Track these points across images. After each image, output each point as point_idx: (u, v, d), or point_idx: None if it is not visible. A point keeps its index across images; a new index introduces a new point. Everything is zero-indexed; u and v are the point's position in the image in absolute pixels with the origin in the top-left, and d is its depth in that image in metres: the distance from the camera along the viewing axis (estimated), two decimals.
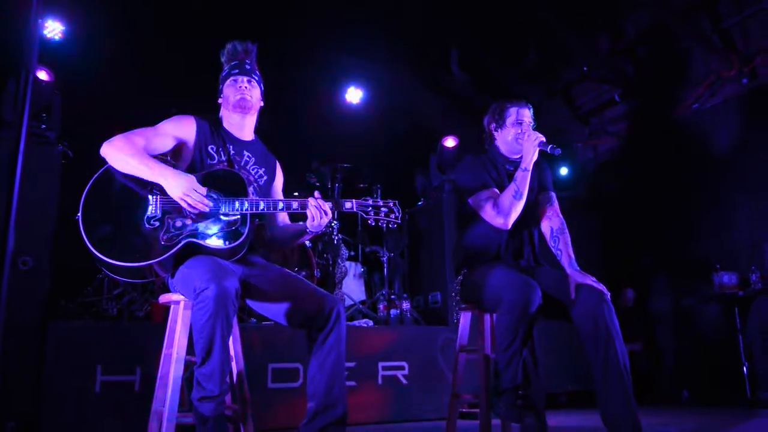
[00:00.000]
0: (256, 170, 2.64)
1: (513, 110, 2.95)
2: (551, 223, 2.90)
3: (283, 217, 2.74)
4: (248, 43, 2.66)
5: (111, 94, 5.31)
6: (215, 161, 2.52)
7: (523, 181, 2.74)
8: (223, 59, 2.68)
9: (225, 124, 2.64)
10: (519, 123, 2.92)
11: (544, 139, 2.77)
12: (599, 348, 2.48)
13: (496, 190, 2.84)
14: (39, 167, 3.59)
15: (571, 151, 6.79)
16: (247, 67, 2.62)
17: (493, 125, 3.01)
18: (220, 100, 2.66)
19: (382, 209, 2.47)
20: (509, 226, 2.77)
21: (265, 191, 2.66)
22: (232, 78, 2.60)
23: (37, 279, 3.51)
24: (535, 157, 2.77)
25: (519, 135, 2.88)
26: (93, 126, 3.48)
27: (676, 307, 6.03)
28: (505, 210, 2.74)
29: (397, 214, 2.48)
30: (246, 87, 2.58)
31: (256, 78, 2.63)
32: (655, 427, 3.57)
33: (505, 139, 2.95)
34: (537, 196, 2.97)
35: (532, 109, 2.99)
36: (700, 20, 5.84)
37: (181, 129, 2.52)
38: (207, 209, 2.30)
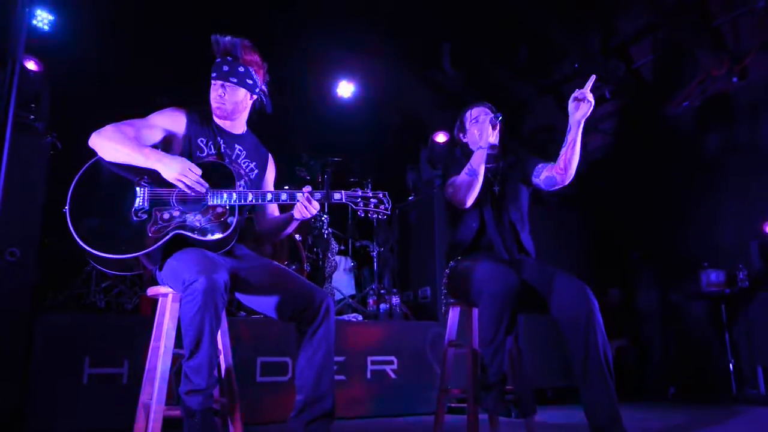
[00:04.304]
0: (247, 164, 2.63)
1: (468, 112, 3.14)
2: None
3: (273, 210, 2.74)
4: (229, 38, 2.52)
5: (100, 84, 5.28)
6: (204, 154, 2.51)
7: (477, 159, 2.84)
8: None
9: (216, 119, 2.63)
10: (476, 120, 3.07)
11: (492, 116, 2.91)
12: (579, 341, 2.50)
13: None
14: (27, 158, 3.56)
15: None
16: (225, 68, 2.50)
17: (460, 135, 3.18)
18: None
19: (372, 200, 2.46)
20: (467, 204, 2.85)
21: (257, 185, 2.65)
22: (212, 82, 2.54)
23: (24, 270, 3.48)
24: (490, 136, 2.86)
25: (479, 128, 3.01)
26: (82, 117, 3.45)
27: (663, 303, 6.07)
28: (459, 187, 2.85)
29: (386, 205, 2.47)
30: (220, 94, 2.52)
31: (234, 80, 2.51)
32: (640, 423, 3.60)
33: (472, 140, 3.07)
34: (520, 185, 3.03)
35: (488, 107, 3.10)
36: (691, 19, 5.87)
37: (171, 121, 2.50)
38: (204, 189, 2.31)
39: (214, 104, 2.55)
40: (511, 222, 2.96)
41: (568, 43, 6.41)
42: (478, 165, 2.83)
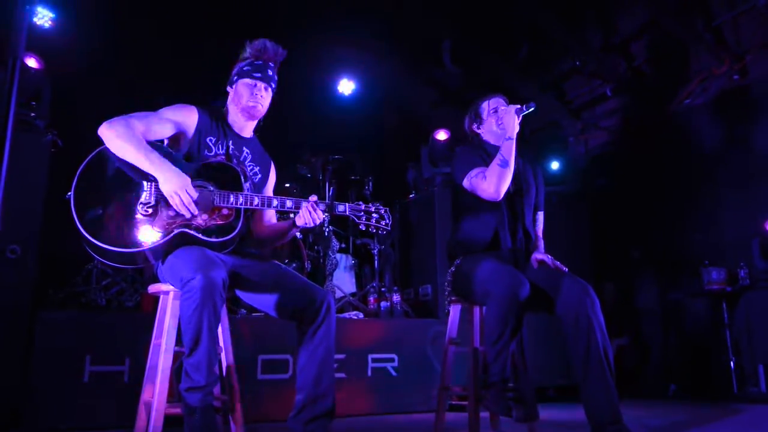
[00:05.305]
0: (252, 168, 2.64)
1: (485, 103, 3.08)
2: None
3: (270, 217, 2.74)
4: (280, 48, 2.61)
5: (102, 82, 5.28)
6: (212, 153, 2.51)
7: (508, 149, 2.80)
8: (246, 51, 2.60)
9: (229, 118, 2.62)
10: (494, 111, 3.03)
11: (518, 106, 2.87)
12: (580, 339, 2.51)
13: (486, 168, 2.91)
14: (28, 156, 3.56)
15: (562, 145, 6.80)
16: (270, 73, 2.58)
17: (474, 125, 3.12)
18: (229, 89, 2.62)
19: (374, 215, 2.50)
20: (500, 196, 2.79)
21: (258, 190, 2.67)
22: (251, 79, 2.55)
23: (25, 268, 3.48)
24: (516, 127, 2.84)
25: (498, 120, 2.97)
26: (83, 114, 3.45)
27: (663, 301, 6.06)
28: (492, 178, 2.78)
29: (387, 221, 2.51)
30: (261, 95, 2.56)
31: (273, 86, 2.61)
32: (641, 420, 3.60)
33: (489, 130, 3.04)
34: (530, 198, 3.02)
35: (504, 97, 3.09)
36: (692, 17, 5.86)
37: (183, 118, 2.49)
38: (189, 215, 2.27)
39: (248, 102, 2.55)
40: (523, 223, 2.95)
41: (569, 41, 6.40)
42: (509, 155, 2.78)
